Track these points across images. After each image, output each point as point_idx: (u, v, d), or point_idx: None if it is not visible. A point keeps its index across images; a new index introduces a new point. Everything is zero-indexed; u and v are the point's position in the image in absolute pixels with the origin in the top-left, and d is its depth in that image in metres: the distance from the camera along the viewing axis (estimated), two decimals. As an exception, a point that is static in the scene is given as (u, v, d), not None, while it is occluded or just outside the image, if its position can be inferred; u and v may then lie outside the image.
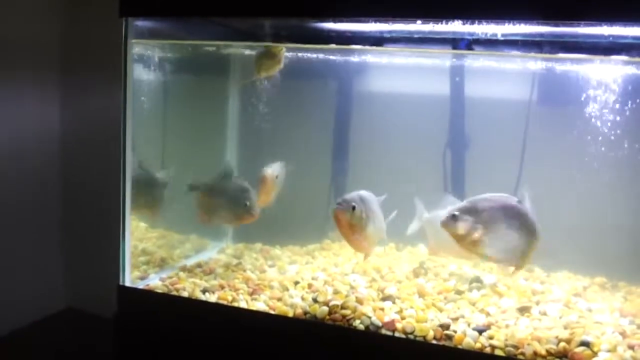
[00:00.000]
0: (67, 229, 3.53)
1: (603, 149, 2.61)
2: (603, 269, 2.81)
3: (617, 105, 2.60)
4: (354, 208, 2.34)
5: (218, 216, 2.89)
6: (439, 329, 2.24)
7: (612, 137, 2.61)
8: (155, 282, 2.72)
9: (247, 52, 3.04)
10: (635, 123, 2.60)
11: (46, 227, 3.47)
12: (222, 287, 2.63)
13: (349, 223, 2.35)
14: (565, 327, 2.29)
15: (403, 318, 2.31)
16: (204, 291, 2.59)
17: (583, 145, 2.64)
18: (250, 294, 2.57)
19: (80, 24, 3.32)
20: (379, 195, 2.53)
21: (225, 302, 2.51)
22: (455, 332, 2.23)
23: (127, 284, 2.65)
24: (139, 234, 3.07)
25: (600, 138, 2.62)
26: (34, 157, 3.32)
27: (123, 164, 2.62)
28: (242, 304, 2.50)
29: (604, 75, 2.59)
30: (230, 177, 2.88)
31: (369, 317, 2.31)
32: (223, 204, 2.84)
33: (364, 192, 2.44)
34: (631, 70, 2.57)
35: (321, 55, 2.93)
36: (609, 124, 2.61)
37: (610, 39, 2.24)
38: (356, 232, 2.39)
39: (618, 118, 2.60)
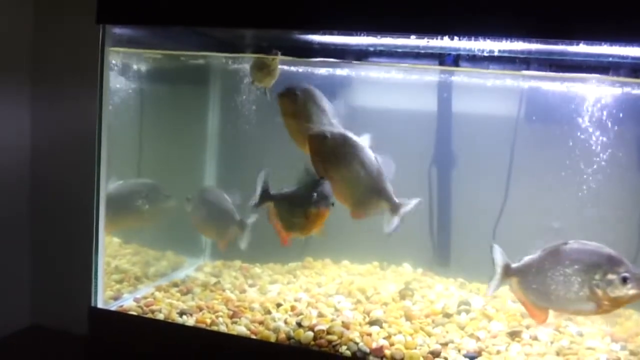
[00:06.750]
0: (36, 240, 3.37)
1: (594, 166, 2.58)
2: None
3: (606, 124, 2.57)
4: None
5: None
6: (430, 355, 2.16)
7: (602, 156, 2.57)
8: (129, 302, 2.58)
9: (230, 62, 2.95)
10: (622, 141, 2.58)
11: (14, 239, 3.30)
12: (200, 309, 2.51)
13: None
14: (558, 354, 2.23)
15: (392, 344, 2.22)
16: (181, 313, 2.46)
17: (571, 162, 2.60)
18: (231, 317, 2.45)
19: (52, 30, 3.17)
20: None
21: (203, 326, 2.39)
22: (446, 359, 2.14)
23: (100, 305, 2.51)
24: (112, 250, 2.92)
25: (589, 156, 2.59)
26: (3, 168, 3.16)
27: (97, 175, 2.49)
28: (222, 328, 2.38)
29: (592, 94, 2.56)
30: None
31: (356, 343, 2.21)
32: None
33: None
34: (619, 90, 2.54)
35: (305, 68, 2.83)
36: (599, 141, 2.58)
37: (598, 58, 2.23)
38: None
39: (605, 137, 2.57)
